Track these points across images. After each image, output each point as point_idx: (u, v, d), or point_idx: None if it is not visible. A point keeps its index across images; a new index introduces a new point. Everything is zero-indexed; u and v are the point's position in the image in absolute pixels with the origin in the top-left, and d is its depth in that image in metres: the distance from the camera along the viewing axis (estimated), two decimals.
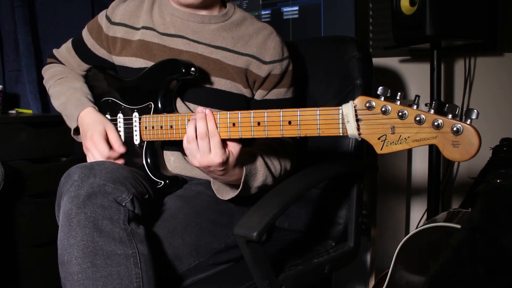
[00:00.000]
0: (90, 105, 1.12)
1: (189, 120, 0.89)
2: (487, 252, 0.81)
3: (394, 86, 1.97)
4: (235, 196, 0.98)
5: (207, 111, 0.86)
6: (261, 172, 0.98)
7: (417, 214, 1.91)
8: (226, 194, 0.99)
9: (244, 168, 0.93)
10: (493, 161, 1.25)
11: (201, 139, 0.85)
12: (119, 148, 1.06)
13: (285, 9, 1.78)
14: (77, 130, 1.14)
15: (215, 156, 0.85)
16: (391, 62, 1.97)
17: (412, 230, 1.15)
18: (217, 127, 0.86)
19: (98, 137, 1.05)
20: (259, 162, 0.98)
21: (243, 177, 0.93)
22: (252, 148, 1.02)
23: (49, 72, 1.26)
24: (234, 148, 0.88)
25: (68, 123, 1.16)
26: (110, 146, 1.07)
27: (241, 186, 0.94)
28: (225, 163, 0.86)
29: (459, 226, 1.02)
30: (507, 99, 1.74)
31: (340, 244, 1.15)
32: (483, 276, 0.79)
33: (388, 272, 1.21)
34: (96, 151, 1.05)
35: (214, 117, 0.86)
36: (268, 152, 1.03)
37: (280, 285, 0.90)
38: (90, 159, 1.07)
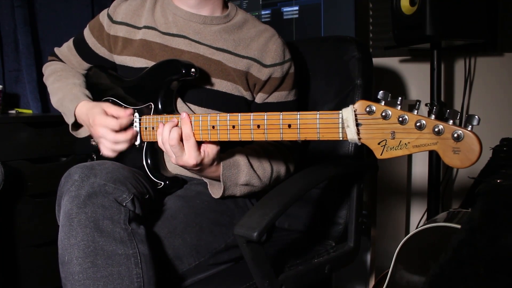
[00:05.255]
0: (85, 99, 1.12)
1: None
2: (487, 252, 0.81)
3: (394, 86, 1.97)
4: (223, 193, 1.00)
5: (184, 114, 0.89)
6: (244, 171, 1.00)
7: (417, 214, 1.91)
8: (216, 190, 1.02)
9: (221, 164, 0.96)
10: (493, 161, 1.25)
11: (176, 144, 0.89)
12: (124, 113, 1.01)
13: (285, 9, 1.78)
14: (74, 126, 1.14)
15: (189, 158, 0.90)
16: (391, 62, 1.97)
17: (412, 230, 1.15)
18: (192, 130, 0.89)
19: (100, 116, 1.01)
20: (243, 162, 1.01)
21: (221, 174, 0.97)
22: (239, 148, 1.03)
23: (49, 70, 1.26)
24: (211, 150, 0.92)
25: (66, 119, 1.16)
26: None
27: (221, 182, 0.98)
28: (199, 164, 0.91)
29: (459, 226, 1.02)
30: (507, 99, 1.74)
31: (340, 244, 1.15)
32: (483, 276, 0.80)
33: (388, 272, 1.21)
34: (104, 129, 1.00)
35: (190, 120, 0.89)
36: (258, 154, 1.04)
37: (280, 285, 0.90)
38: (104, 144, 1.03)
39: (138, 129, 1.06)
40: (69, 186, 0.83)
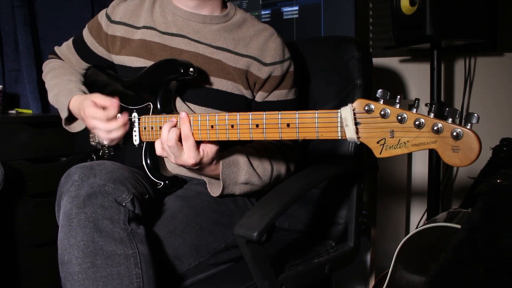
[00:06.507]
0: (80, 93, 1.13)
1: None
2: (487, 252, 0.81)
3: (394, 86, 1.97)
4: (222, 192, 1.00)
5: (183, 114, 0.89)
6: (244, 170, 1.01)
7: (417, 214, 1.91)
8: (215, 189, 1.02)
9: (221, 162, 0.96)
10: (493, 161, 1.25)
11: (174, 145, 0.89)
12: (111, 102, 1.02)
13: (285, 9, 1.78)
14: (68, 120, 1.15)
15: (189, 158, 0.90)
16: (391, 62, 1.97)
17: (412, 230, 1.15)
18: (191, 130, 0.89)
19: (89, 108, 1.03)
20: (243, 160, 1.01)
21: (220, 172, 0.97)
22: (239, 147, 1.03)
23: (48, 67, 1.27)
24: (210, 149, 0.92)
25: (61, 114, 1.16)
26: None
27: (221, 181, 0.98)
28: (198, 163, 0.91)
29: (459, 226, 1.02)
30: (507, 99, 1.74)
31: (340, 244, 1.15)
32: (483, 276, 0.80)
33: (388, 272, 1.21)
34: (95, 121, 1.02)
35: (189, 120, 0.89)
36: (259, 152, 1.05)
37: (280, 285, 0.90)
38: (99, 134, 1.04)
39: (137, 129, 1.06)
40: (69, 186, 0.83)
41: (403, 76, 1.96)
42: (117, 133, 1.02)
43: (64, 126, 1.18)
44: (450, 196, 1.87)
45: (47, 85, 1.23)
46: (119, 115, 1.04)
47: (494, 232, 0.82)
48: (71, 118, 1.16)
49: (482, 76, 1.78)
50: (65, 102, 1.12)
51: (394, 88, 1.96)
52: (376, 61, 1.94)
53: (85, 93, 1.15)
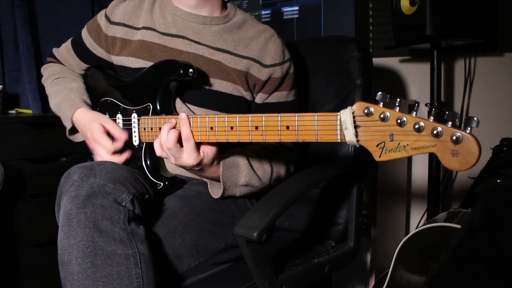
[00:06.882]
0: (83, 106, 1.12)
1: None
2: (487, 252, 0.81)
3: (394, 86, 1.97)
4: (223, 193, 1.00)
5: (183, 115, 0.90)
6: (244, 172, 1.01)
7: (417, 214, 1.91)
8: (216, 190, 1.02)
9: (221, 163, 0.97)
10: (493, 161, 1.25)
11: (173, 146, 0.90)
12: (121, 135, 1.04)
13: (285, 9, 1.78)
14: (72, 130, 1.15)
15: (189, 159, 0.90)
16: (391, 62, 1.97)
17: (412, 230, 1.15)
18: (191, 131, 0.89)
19: (97, 133, 1.04)
20: (243, 162, 1.01)
21: (221, 174, 0.97)
22: (239, 149, 1.03)
23: (47, 72, 1.27)
24: (210, 150, 0.92)
25: (64, 123, 1.16)
26: (113, 139, 1.06)
27: (221, 183, 0.98)
28: (199, 164, 0.91)
29: (459, 226, 1.02)
30: (507, 99, 1.74)
31: (340, 244, 1.15)
32: (483, 276, 0.79)
33: (388, 272, 1.21)
34: (100, 148, 1.05)
35: (188, 121, 0.89)
36: (259, 154, 1.05)
37: (280, 285, 0.90)
38: (98, 159, 1.06)
39: (137, 130, 1.06)
40: (69, 186, 0.83)
41: (403, 76, 1.96)
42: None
43: (67, 136, 1.18)
44: (450, 196, 1.87)
45: (47, 91, 1.23)
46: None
47: (494, 232, 0.82)
48: (73, 129, 1.15)
49: (482, 76, 1.78)
50: (68, 113, 1.12)
51: (394, 88, 1.96)
52: (376, 61, 1.94)
53: (87, 103, 1.15)
